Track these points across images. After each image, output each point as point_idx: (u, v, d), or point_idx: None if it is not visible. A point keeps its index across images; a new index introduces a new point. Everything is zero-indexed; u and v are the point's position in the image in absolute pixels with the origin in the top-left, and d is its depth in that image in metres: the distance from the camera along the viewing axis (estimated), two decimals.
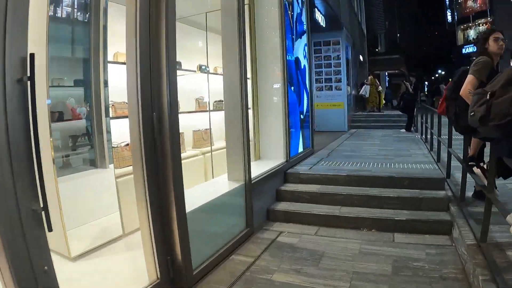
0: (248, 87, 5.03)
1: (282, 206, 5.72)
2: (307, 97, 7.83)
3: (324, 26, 12.61)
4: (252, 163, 5.96)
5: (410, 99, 12.68)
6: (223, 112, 5.17)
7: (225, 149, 5.09)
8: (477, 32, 37.64)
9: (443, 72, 49.79)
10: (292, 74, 6.88)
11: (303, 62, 7.62)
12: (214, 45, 6.01)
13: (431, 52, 54.12)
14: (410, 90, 12.57)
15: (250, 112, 6.47)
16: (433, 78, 57.15)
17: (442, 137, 6.95)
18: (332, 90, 13.70)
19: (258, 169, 5.76)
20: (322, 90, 13.82)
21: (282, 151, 6.53)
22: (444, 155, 6.77)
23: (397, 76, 37.30)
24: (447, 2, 43.83)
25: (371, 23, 37.90)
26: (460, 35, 40.47)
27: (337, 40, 13.66)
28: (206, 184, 5.20)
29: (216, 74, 6.52)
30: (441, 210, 5.14)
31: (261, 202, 5.49)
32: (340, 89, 13.60)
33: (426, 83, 48.92)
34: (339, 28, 13.66)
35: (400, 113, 14.06)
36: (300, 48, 7.48)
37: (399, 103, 23.86)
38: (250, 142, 6.51)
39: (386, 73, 36.64)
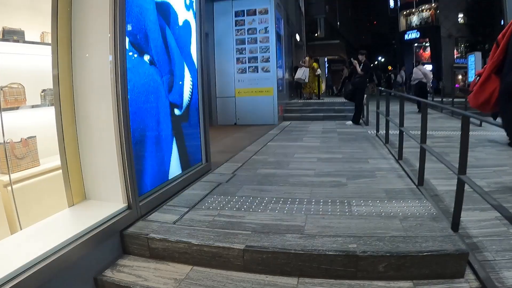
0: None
1: None
2: (193, 76, 4.35)
3: None
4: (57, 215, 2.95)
5: (360, 81, 9.56)
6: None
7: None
8: (420, 18, 36.11)
9: (383, 59, 48.30)
10: (148, 32, 3.38)
11: (184, 15, 4.13)
12: None
13: (372, 38, 52.65)
14: (359, 70, 9.45)
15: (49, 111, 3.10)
16: (372, 65, 55.69)
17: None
18: (257, 72, 10.33)
19: (66, 228, 2.70)
20: (245, 72, 10.41)
21: (118, 186, 3.06)
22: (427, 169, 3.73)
23: (337, 62, 35.09)
24: None
25: (311, 7, 35.25)
26: (402, 21, 38.88)
27: (265, 8, 10.27)
28: None
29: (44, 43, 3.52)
30: None
31: None
32: (269, 71, 10.25)
33: None
34: None
35: (344, 100, 11.01)
36: None
37: (341, 89, 21.10)
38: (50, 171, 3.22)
39: (326, 59, 34.02)
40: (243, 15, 10.32)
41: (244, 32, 10.35)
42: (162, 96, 3.64)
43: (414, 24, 36.99)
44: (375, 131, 7.90)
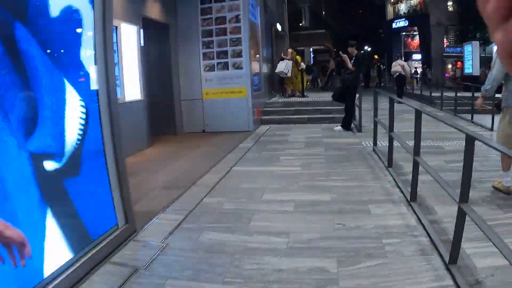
0: None
1: None
2: (88, 99, 2.69)
3: None
4: None
5: (351, 78, 8.00)
6: None
7: None
8: (409, 6, 34.59)
9: (369, 48, 46.74)
10: None
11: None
12: None
13: (358, 27, 51.04)
14: (350, 65, 7.90)
15: None
16: (365, 56, 53.86)
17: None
18: (228, 69, 8.69)
19: None
20: (213, 69, 8.77)
21: None
22: None
23: (323, 52, 33.50)
24: None
25: None
26: (389, 10, 37.29)
27: None
28: None
29: None
30: None
31: None
32: (241, 68, 8.61)
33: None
34: None
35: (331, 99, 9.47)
36: None
37: (327, 82, 19.42)
38: None
39: (311, 49, 32.41)
40: (210, 2, 8.63)
41: (212, 22, 8.68)
42: (10, 148, 2.01)
43: (402, 12, 35.47)
44: (371, 143, 6.39)
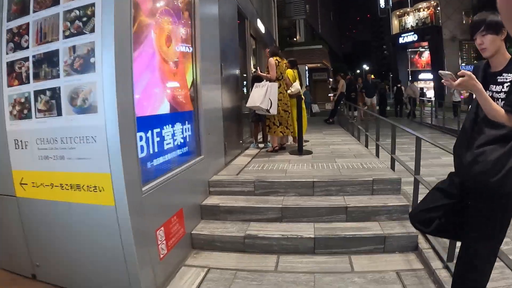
0: None
1: None
2: None
3: None
4: None
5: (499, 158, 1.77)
6: None
7: None
8: (417, 19, 28.93)
9: (367, 67, 41.06)
10: None
11: None
12: None
13: (358, 43, 45.50)
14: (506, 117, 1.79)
15: None
16: (353, 73, 48.56)
17: None
18: (60, 113, 2.57)
19: None
20: (30, 112, 2.68)
21: None
22: None
23: (320, 71, 27.91)
24: None
25: (289, 6, 28.35)
26: (395, 23, 31.65)
27: None
28: None
29: None
30: None
31: None
32: (93, 110, 2.48)
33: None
34: None
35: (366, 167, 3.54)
36: None
37: (334, 113, 12.93)
38: None
39: (306, 67, 26.73)
40: None
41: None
42: None
43: (409, 26, 29.82)
44: None
